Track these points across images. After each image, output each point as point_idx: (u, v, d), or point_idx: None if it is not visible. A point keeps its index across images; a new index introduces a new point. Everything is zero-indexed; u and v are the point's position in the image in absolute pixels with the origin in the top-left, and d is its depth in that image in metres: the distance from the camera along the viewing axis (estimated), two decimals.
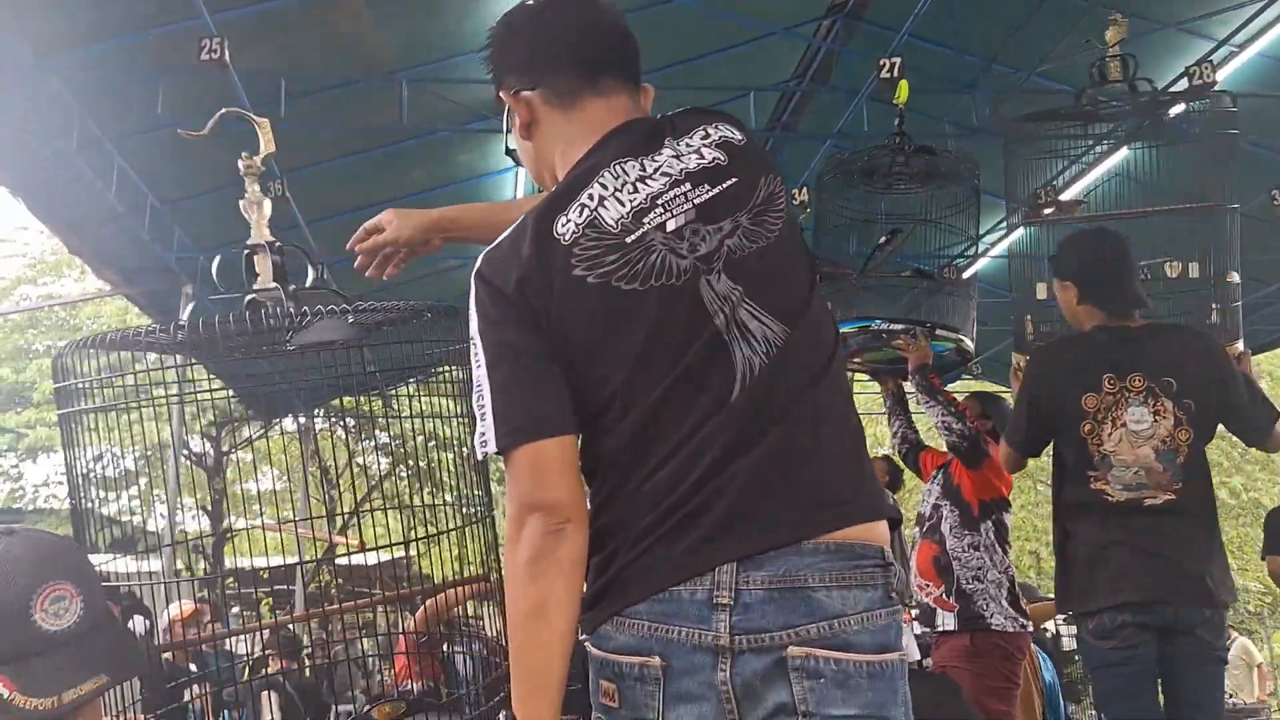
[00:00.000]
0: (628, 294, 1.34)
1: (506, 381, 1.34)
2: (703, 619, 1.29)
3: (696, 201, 1.39)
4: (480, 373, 1.36)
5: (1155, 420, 2.62)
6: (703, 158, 1.41)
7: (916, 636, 4.14)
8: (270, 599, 16.72)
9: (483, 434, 1.32)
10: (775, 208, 1.42)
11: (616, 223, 1.37)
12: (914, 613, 4.14)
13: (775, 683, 1.28)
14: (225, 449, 15.46)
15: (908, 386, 4.33)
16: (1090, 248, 2.93)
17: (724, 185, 1.40)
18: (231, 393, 10.82)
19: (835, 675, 1.27)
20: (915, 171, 4.10)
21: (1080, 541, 2.65)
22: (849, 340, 3.99)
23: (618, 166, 1.42)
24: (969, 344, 4.17)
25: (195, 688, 5.78)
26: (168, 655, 5.82)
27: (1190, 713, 2.57)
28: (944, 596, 3.99)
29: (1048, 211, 3.41)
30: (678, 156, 1.42)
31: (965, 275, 4.33)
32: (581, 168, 1.43)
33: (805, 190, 6.99)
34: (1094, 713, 6.00)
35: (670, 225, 1.38)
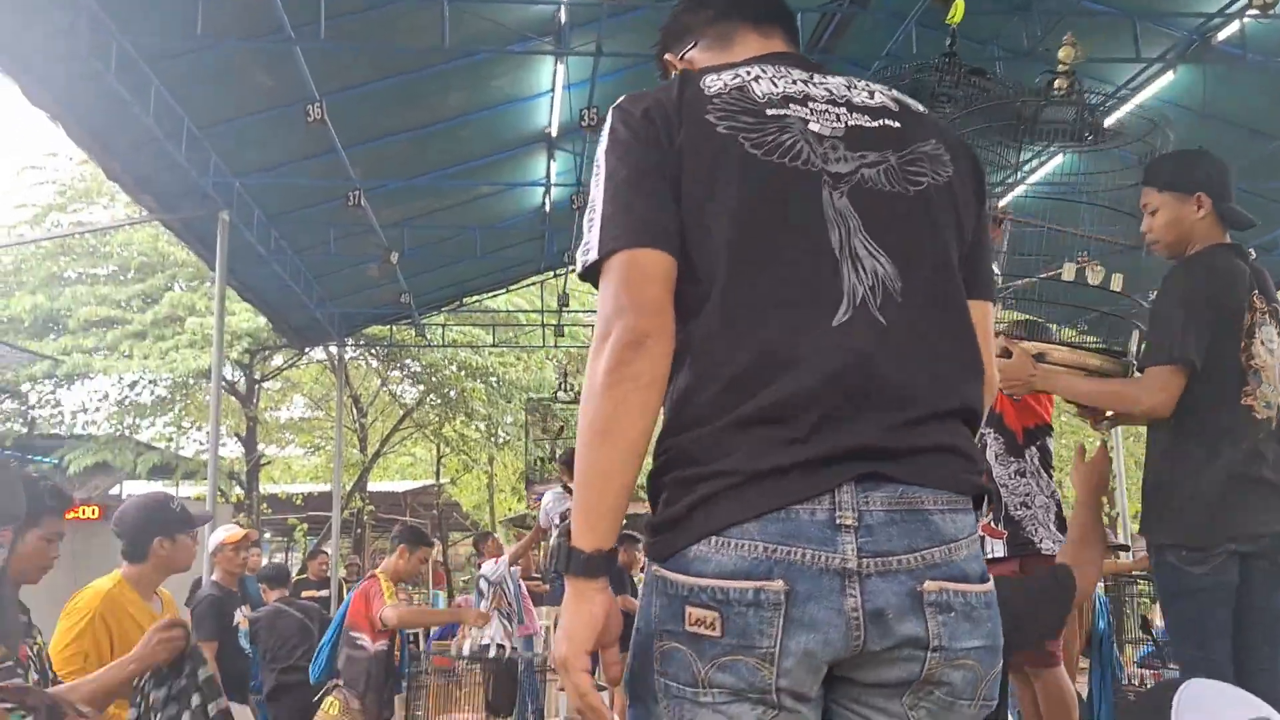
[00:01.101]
0: (750, 156, 1.32)
1: (618, 193, 1.32)
2: (826, 540, 1.22)
3: (849, 124, 1.39)
4: (597, 190, 1.35)
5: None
6: (871, 98, 1.44)
7: None
8: (304, 524, 17.09)
9: (587, 244, 1.31)
10: (936, 169, 1.41)
11: (764, 95, 1.38)
12: None
13: (908, 616, 1.23)
14: (257, 377, 15.59)
15: None
16: (1215, 161, 2.78)
17: (883, 122, 1.41)
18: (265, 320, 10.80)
19: (964, 609, 1.26)
20: (962, 96, 3.94)
21: (1220, 468, 2.53)
22: None
23: (782, 66, 1.44)
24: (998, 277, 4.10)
25: (241, 610, 5.91)
26: (216, 578, 5.96)
27: (1262, 636, 2.53)
28: (992, 524, 3.98)
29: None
30: (848, 87, 1.44)
31: (1001, 203, 4.22)
32: (745, 60, 1.47)
33: None
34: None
35: (814, 127, 1.37)
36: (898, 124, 1.42)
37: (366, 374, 18.73)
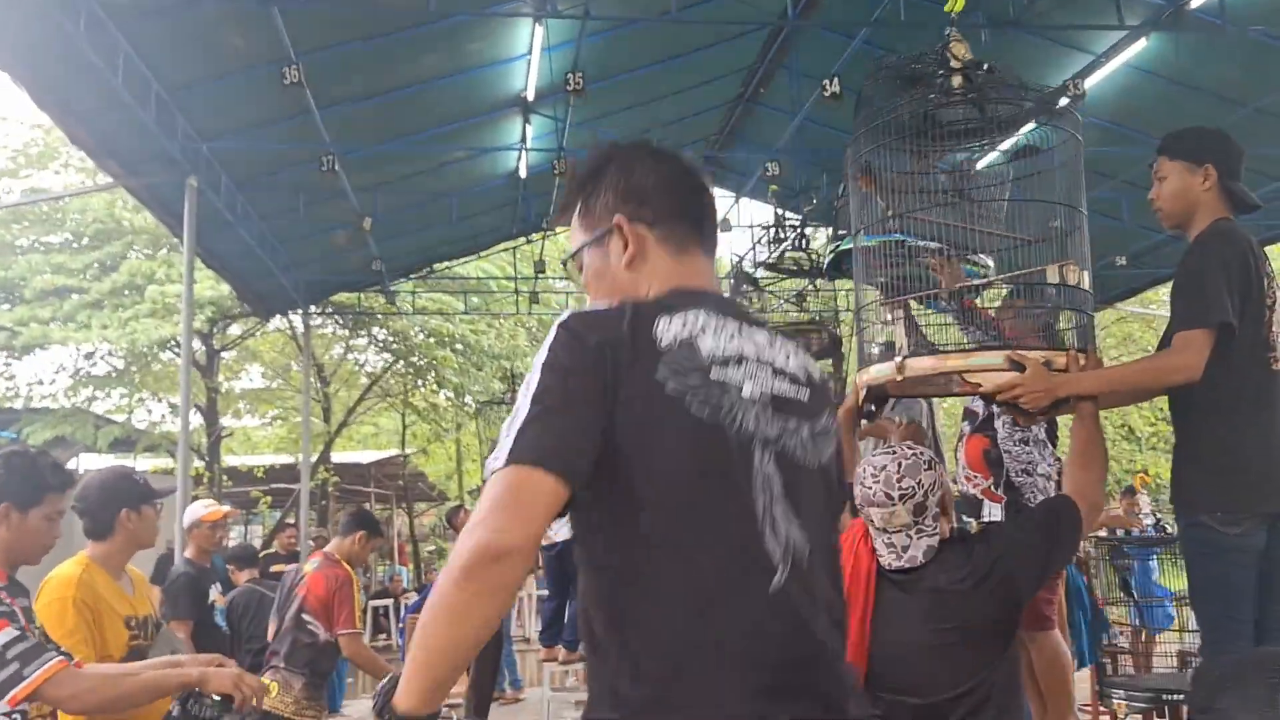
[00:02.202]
0: (695, 419, 1.37)
1: (544, 414, 1.33)
2: None
3: (774, 389, 1.47)
4: (524, 400, 1.35)
5: None
6: (789, 361, 1.51)
7: (960, 526, 4.17)
8: (268, 497, 16.87)
9: (496, 455, 1.32)
10: (829, 441, 1.53)
11: (709, 354, 1.42)
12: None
13: None
14: (218, 347, 15.29)
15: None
16: (1231, 141, 2.80)
17: (800, 392, 1.50)
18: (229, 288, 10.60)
19: None
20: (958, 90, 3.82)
21: (1259, 433, 2.57)
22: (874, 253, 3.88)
23: (719, 316, 1.47)
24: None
25: (215, 587, 5.77)
26: (190, 554, 5.83)
27: None
28: (992, 488, 4.00)
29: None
30: (770, 344, 1.50)
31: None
32: (688, 295, 1.49)
33: (836, 81, 6.83)
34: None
35: (747, 390, 1.43)
36: (808, 395, 1.50)
37: (330, 342, 18.47)
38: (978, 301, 3.53)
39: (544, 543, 8.10)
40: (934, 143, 2.99)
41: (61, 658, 2.41)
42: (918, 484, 2.37)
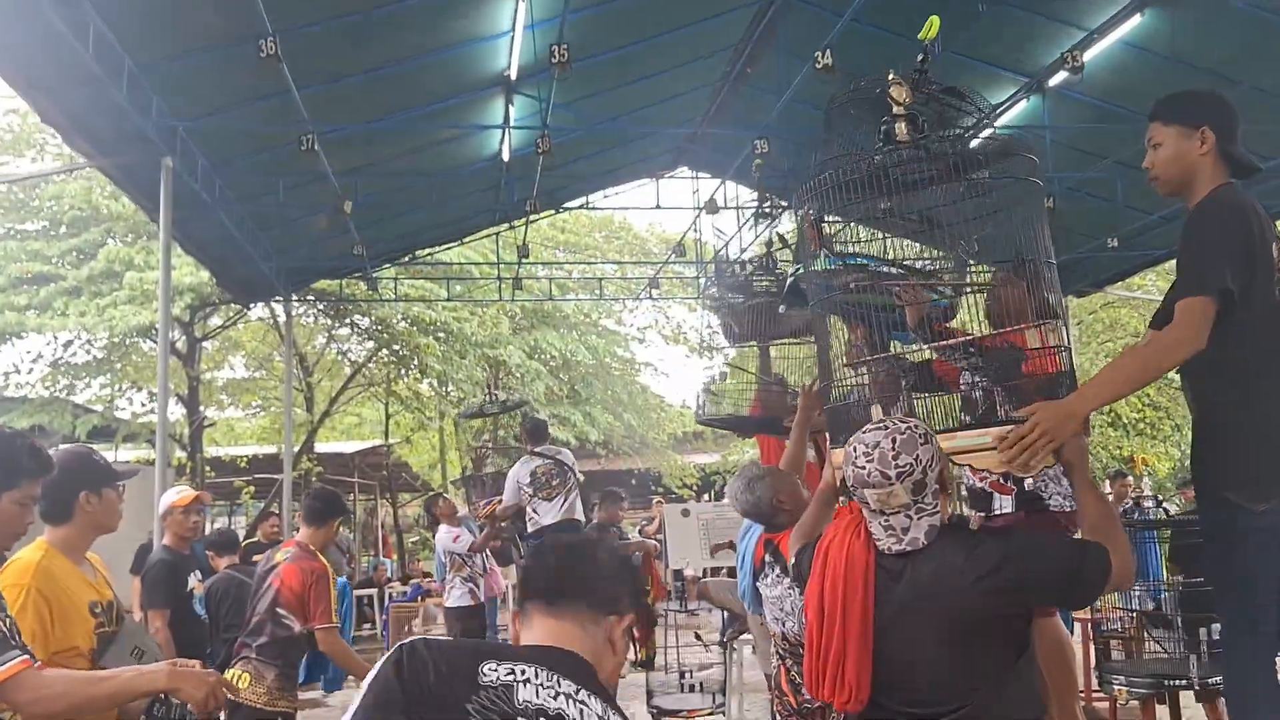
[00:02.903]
0: None
1: None
2: None
3: None
4: None
5: None
6: None
7: (963, 517, 4.06)
8: (251, 487, 16.67)
9: None
10: None
11: (522, 703, 1.49)
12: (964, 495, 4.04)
13: None
14: (199, 336, 15.08)
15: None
16: (1225, 102, 2.69)
17: None
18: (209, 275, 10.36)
19: None
20: (933, 114, 3.66)
21: (1276, 393, 2.46)
22: (835, 277, 3.79)
23: (555, 674, 1.55)
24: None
25: (195, 575, 5.62)
26: (167, 542, 5.68)
27: None
28: (1001, 480, 3.89)
29: None
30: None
31: None
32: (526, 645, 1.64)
33: (828, 52, 6.69)
34: None
35: None
36: None
37: (312, 331, 18.27)
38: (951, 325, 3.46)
39: (530, 528, 7.99)
40: (885, 195, 2.89)
41: (25, 657, 2.24)
42: (915, 460, 2.21)
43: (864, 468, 2.23)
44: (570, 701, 1.53)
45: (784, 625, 3.55)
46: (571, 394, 19.95)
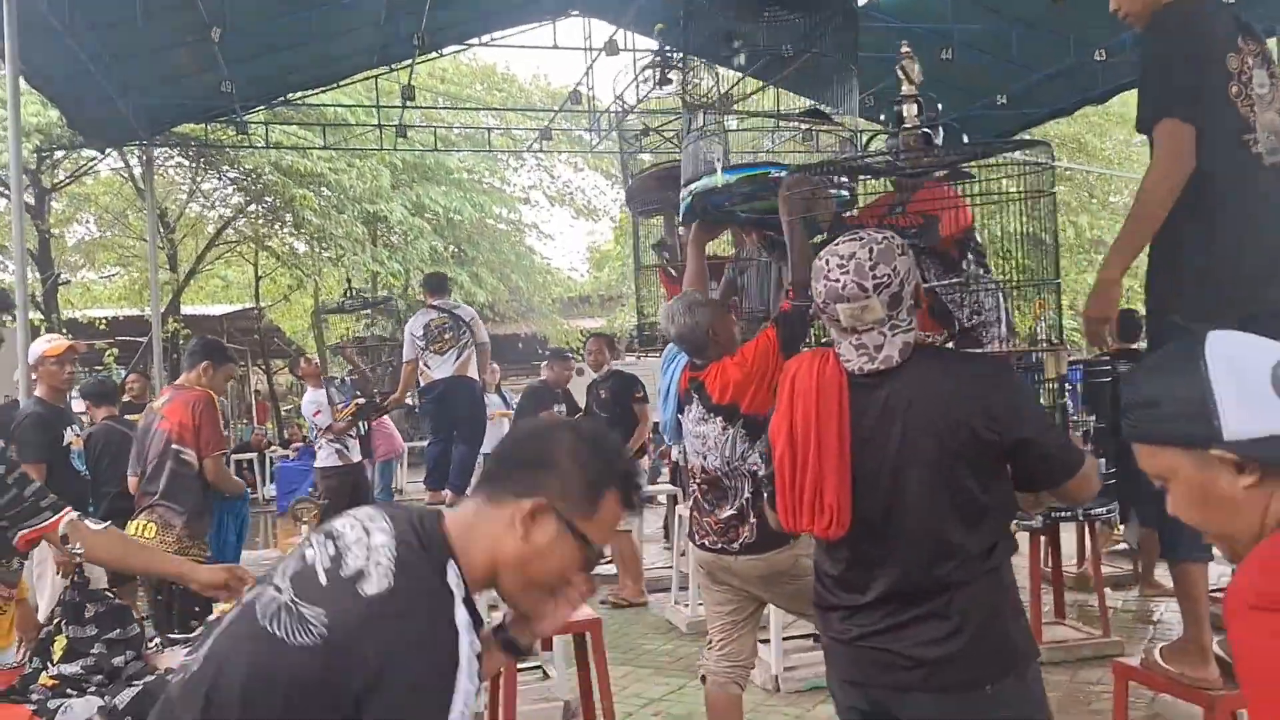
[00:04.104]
0: None
1: None
2: None
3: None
4: None
5: (1273, 84, 2.47)
6: None
7: None
8: (114, 350, 15.82)
9: None
10: None
11: None
12: None
13: None
14: (47, 186, 13.95)
15: None
16: None
17: None
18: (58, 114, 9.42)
19: None
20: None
21: (1231, 230, 2.47)
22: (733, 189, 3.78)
23: None
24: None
25: (72, 429, 5.29)
26: (40, 394, 5.31)
27: None
28: (932, 318, 3.91)
29: None
30: None
31: None
32: None
33: None
34: None
35: None
36: None
37: (172, 185, 17.16)
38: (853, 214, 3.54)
39: (422, 383, 7.77)
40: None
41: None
42: (893, 271, 2.09)
43: (838, 280, 2.10)
44: (354, 523, 1.47)
45: (705, 459, 3.51)
46: (457, 255, 19.43)
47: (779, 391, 2.28)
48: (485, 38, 10.43)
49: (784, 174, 3.65)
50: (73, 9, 7.83)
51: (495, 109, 19.29)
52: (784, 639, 4.89)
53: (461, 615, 1.35)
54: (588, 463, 1.53)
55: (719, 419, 3.49)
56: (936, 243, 3.45)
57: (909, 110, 2.95)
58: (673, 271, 5.00)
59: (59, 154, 13.25)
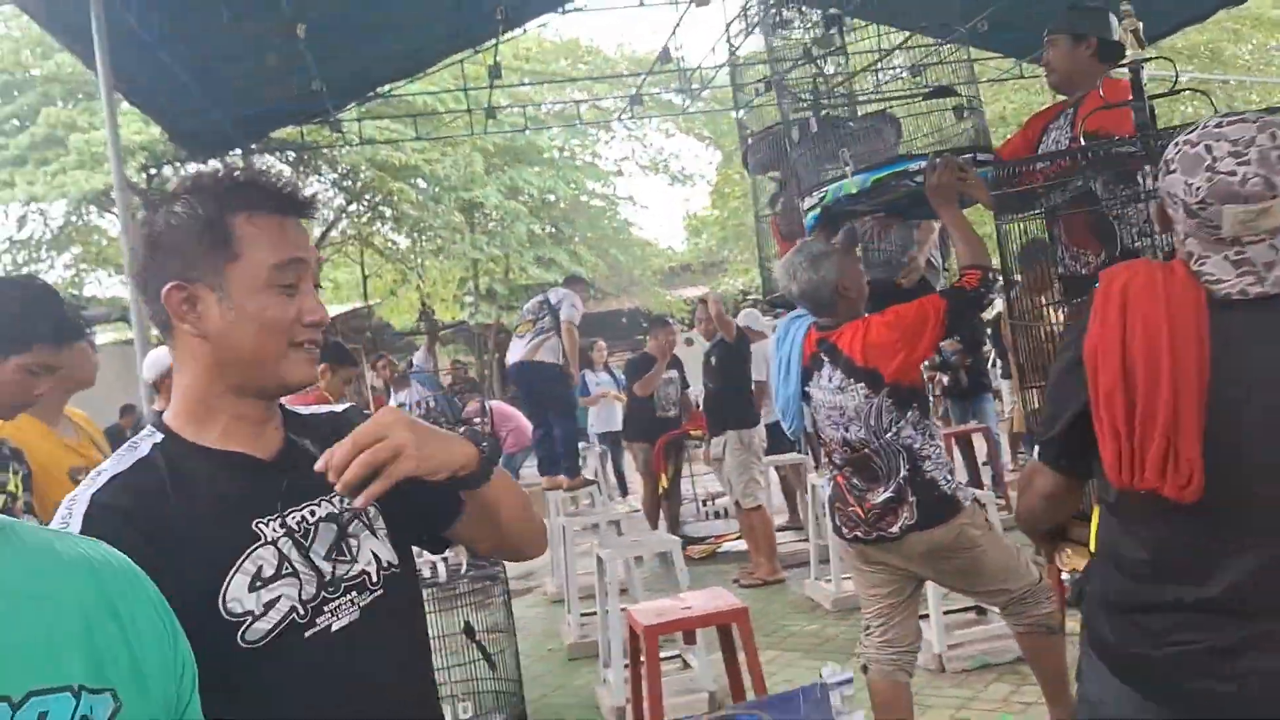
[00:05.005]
0: None
1: None
2: None
3: None
4: None
5: None
6: None
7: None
8: None
9: None
10: None
11: None
12: None
13: None
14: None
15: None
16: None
17: None
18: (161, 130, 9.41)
19: None
20: None
21: None
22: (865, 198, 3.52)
23: None
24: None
25: None
26: (161, 407, 5.30)
27: None
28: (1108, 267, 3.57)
29: None
30: None
31: None
32: None
33: None
34: None
35: None
36: None
37: None
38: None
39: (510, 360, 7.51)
40: None
41: None
42: None
43: (1234, 172, 1.57)
44: None
45: (846, 431, 3.18)
46: (554, 235, 19.35)
47: (1095, 307, 1.71)
48: (569, 4, 10.14)
49: (923, 164, 3.28)
50: (161, 19, 7.84)
51: (583, 79, 19.02)
52: (944, 613, 4.54)
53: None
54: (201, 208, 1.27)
55: (860, 386, 3.15)
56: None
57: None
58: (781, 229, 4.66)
59: (166, 170, 13.55)
